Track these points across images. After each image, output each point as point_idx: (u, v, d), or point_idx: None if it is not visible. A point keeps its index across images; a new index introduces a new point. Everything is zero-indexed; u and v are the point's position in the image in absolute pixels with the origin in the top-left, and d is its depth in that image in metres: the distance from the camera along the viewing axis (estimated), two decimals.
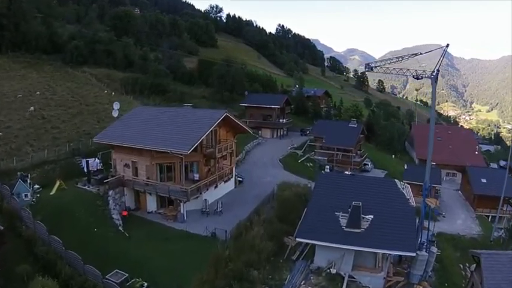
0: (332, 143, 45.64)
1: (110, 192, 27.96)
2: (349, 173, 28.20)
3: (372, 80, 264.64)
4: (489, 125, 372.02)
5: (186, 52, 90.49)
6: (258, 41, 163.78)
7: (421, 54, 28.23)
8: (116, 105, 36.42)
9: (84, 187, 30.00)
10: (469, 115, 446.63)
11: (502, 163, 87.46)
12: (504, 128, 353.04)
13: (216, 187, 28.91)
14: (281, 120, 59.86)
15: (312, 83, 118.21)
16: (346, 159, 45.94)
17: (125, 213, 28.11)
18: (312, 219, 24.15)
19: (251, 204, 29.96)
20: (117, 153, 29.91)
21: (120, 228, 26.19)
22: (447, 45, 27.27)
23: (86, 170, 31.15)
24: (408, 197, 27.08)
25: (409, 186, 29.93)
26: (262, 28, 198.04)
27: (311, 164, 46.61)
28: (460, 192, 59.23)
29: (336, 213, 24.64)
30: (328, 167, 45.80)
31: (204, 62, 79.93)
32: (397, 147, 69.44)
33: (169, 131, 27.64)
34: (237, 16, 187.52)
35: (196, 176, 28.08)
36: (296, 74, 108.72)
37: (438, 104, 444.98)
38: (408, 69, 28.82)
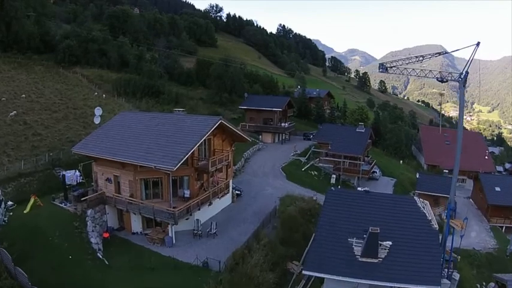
0: (339, 150, 42.00)
1: (89, 212, 24.40)
2: (362, 188, 24.63)
3: (373, 80, 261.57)
4: (490, 126, 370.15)
5: (184, 52, 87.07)
6: (259, 40, 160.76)
7: (446, 53, 24.57)
8: (98, 111, 32.76)
9: (61, 204, 26.43)
10: (470, 116, 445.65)
11: (508, 166, 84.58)
12: (505, 128, 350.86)
13: (210, 204, 25.29)
14: (283, 124, 56.17)
15: (313, 84, 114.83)
16: (353, 168, 42.36)
17: (106, 235, 24.59)
18: (321, 248, 20.66)
19: (250, 223, 26.44)
20: (98, 166, 26.38)
21: (99, 254, 22.64)
22: (478, 44, 23.82)
23: (63, 184, 27.55)
24: (430, 218, 23.52)
25: (428, 203, 26.33)
26: (263, 28, 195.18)
27: (316, 173, 43.00)
28: (471, 200, 55.74)
29: (349, 240, 21.15)
30: (334, 176, 42.21)
31: (203, 62, 76.38)
32: (404, 152, 65.82)
33: (154, 141, 24.13)
34: (237, 16, 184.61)
35: (187, 193, 24.56)
36: (298, 74, 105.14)
37: (439, 105, 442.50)
38: (431, 71, 25.32)
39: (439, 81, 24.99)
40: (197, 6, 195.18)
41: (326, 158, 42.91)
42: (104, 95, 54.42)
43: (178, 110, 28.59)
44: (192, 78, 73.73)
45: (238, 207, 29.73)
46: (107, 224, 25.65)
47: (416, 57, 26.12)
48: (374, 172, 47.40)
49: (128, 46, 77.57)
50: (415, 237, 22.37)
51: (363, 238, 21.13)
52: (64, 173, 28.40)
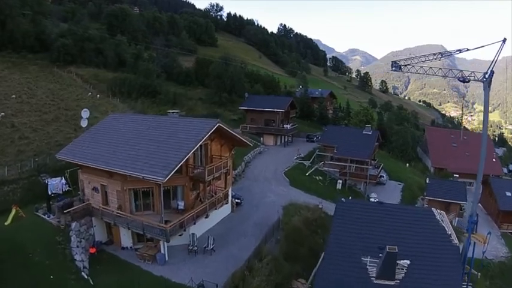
0: (345, 154, 39.59)
1: (73, 225, 22.04)
2: (374, 198, 22.32)
3: (374, 80, 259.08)
4: (491, 126, 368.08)
5: (184, 50, 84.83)
6: (260, 40, 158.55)
7: (468, 50, 22.24)
8: (85, 113, 30.35)
9: (44, 216, 24.08)
10: (471, 116, 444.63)
11: None
12: (506, 128, 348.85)
13: (206, 217, 22.90)
14: (285, 126, 53.69)
15: (314, 84, 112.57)
16: (360, 172, 40.00)
17: (92, 250, 22.26)
18: (331, 268, 18.40)
19: (251, 236, 24.13)
20: (84, 174, 24.05)
21: (84, 273, 20.32)
22: (504, 40, 21.52)
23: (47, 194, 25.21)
24: (450, 233, 21.23)
25: (444, 214, 24.04)
26: (264, 27, 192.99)
27: (320, 178, 40.61)
28: (480, 204, 53.38)
29: (363, 259, 18.86)
30: (340, 181, 39.83)
31: (202, 61, 73.99)
32: (411, 155, 63.46)
33: (144, 147, 21.69)
34: (237, 15, 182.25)
35: (181, 205, 22.22)
36: (299, 74, 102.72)
37: (440, 105, 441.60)
38: (451, 69, 23.00)
39: (461, 81, 22.65)
40: (197, 6, 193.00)
41: (331, 162, 40.52)
42: (98, 95, 52.10)
43: (173, 112, 26.10)
44: (190, 77, 71.36)
45: (238, 217, 27.33)
46: (94, 238, 23.33)
47: (434, 54, 23.80)
48: (381, 176, 45.10)
49: (126, 45, 75.35)
50: (435, 254, 20.23)
51: (378, 257, 18.89)
52: (48, 180, 26.04)
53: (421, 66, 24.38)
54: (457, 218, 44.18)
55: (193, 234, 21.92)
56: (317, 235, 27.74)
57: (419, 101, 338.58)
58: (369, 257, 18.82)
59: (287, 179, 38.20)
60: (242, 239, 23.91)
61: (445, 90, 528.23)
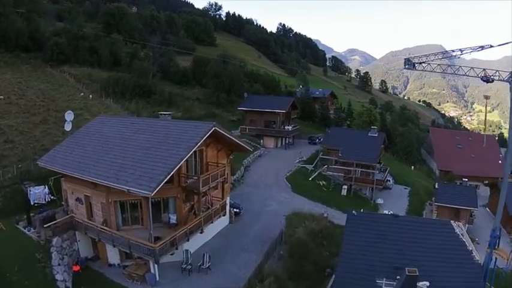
0: (350, 157, 37.43)
1: (54, 241, 19.81)
2: (389, 211, 20.19)
3: (373, 80, 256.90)
4: (491, 126, 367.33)
5: (181, 48, 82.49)
6: (259, 39, 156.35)
7: (492, 46, 20.12)
8: (69, 116, 28.06)
9: (24, 230, 21.85)
10: (471, 115, 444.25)
11: None
12: (505, 128, 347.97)
13: (201, 232, 20.74)
14: (286, 127, 51.48)
15: (314, 83, 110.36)
16: (366, 177, 37.86)
17: (76, 268, 20.05)
18: None
19: (251, 252, 21.95)
20: (67, 183, 21.84)
21: None
22: None
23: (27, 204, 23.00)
24: (470, 248, 19.18)
25: (462, 226, 21.99)
26: (263, 27, 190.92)
27: (324, 183, 38.45)
28: (487, 209, 51.40)
29: (378, 281, 16.74)
30: (345, 187, 37.66)
31: (200, 60, 71.69)
32: (416, 157, 61.32)
33: (131, 155, 19.30)
34: (237, 14, 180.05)
35: (173, 218, 20.07)
36: (300, 74, 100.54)
37: (439, 105, 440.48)
38: (472, 68, 20.92)
39: (484, 81, 20.58)
40: (196, 6, 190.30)
41: (336, 167, 38.34)
42: (90, 96, 49.87)
43: (165, 114, 23.87)
44: (188, 77, 69.10)
45: (237, 229, 25.10)
46: (78, 254, 21.11)
47: (453, 50, 21.73)
48: (387, 181, 42.96)
49: (121, 43, 73.08)
50: (455, 273, 18.26)
51: (394, 278, 16.81)
52: (30, 189, 23.81)
53: (438, 64, 22.31)
54: (467, 225, 42.11)
55: (187, 250, 19.71)
56: (323, 247, 25.63)
57: (419, 101, 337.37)
58: (384, 279, 16.75)
59: (289, 184, 36.05)
60: (241, 255, 21.71)
61: (444, 90, 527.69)
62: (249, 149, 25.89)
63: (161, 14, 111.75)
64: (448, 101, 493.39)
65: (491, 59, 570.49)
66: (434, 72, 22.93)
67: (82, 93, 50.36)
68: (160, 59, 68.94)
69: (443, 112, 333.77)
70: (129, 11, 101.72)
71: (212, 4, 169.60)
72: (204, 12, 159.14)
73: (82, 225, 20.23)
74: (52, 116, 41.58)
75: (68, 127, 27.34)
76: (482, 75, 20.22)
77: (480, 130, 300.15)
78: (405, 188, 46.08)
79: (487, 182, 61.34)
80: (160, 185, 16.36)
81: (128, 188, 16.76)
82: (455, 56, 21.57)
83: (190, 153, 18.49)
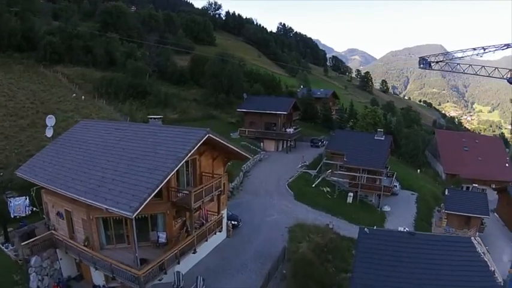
0: (356, 162, 35.26)
1: (33, 260, 17.65)
2: (404, 228, 18.06)
3: (373, 80, 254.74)
4: (491, 126, 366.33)
5: (179, 47, 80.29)
6: (259, 39, 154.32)
7: None
8: (50, 120, 25.71)
9: (3, 247, 19.65)
10: (471, 115, 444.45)
11: None
12: (506, 128, 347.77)
13: (194, 252, 18.46)
14: (288, 130, 49.23)
15: (315, 83, 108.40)
16: (373, 184, 35.70)
17: None
18: None
19: (251, 272, 19.80)
20: (47, 195, 19.65)
21: None
22: None
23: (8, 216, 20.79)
24: (493, 269, 17.08)
25: (481, 242, 19.86)
26: (263, 26, 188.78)
27: (328, 189, 36.26)
28: (496, 214, 49.28)
29: None
30: (351, 194, 35.48)
31: (198, 59, 69.45)
32: (421, 160, 59.15)
33: (113, 167, 16.97)
34: (236, 14, 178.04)
35: (162, 237, 17.76)
36: (301, 73, 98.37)
37: (439, 105, 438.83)
38: (497, 68, 18.81)
39: (510, 82, 18.41)
40: (196, 6, 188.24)
41: (340, 172, 36.18)
42: (83, 97, 47.65)
43: (155, 118, 21.62)
44: (185, 77, 66.85)
45: (235, 244, 22.84)
46: (60, 274, 18.93)
47: (474, 49, 19.58)
48: (394, 186, 40.81)
49: (117, 42, 70.88)
50: None
51: None
52: (11, 200, 21.56)
53: (458, 64, 20.17)
54: (477, 233, 40.03)
55: (178, 272, 17.51)
56: (329, 263, 23.47)
57: (420, 101, 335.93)
58: None
59: (291, 191, 33.83)
60: (240, 274, 19.49)
61: (444, 90, 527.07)
62: (249, 156, 23.60)
63: (159, 13, 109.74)
64: (448, 101, 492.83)
65: (492, 59, 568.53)
66: (453, 72, 20.78)
67: (74, 94, 48.14)
68: (156, 58, 66.67)
69: (443, 112, 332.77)
70: (127, 10, 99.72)
71: (212, 3, 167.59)
72: (203, 11, 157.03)
73: (62, 243, 18.04)
74: (41, 119, 39.15)
75: (49, 133, 25.05)
76: (509, 76, 18.06)
77: (481, 130, 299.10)
78: (412, 194, 43.98)
79: (494, 185, 59.49)
80: (144, 204, 14.12)
81: (106, 206, 14.51)
82: (477, 54, 19.39)
83: (181, 164, 16.21)
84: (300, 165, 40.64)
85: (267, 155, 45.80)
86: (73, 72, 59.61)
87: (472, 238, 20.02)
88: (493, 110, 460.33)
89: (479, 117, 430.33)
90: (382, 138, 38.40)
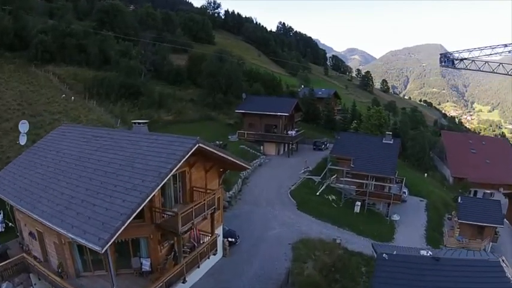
0: (365, 169, 32.72)
1: (4, 286, 15.24)
2: (427, 252, 15.67)
3: (373, 79, 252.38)
4: (491, 125, 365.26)
5: (177, 44, 77.76)
6: (259, 38, 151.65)
7: None
8: (23, 127, 23.10)
9: None
10: (471, 115, 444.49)
11: None
12: (506, 128, 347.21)
13: (184, 282, 15.84)
14: (290, 132, 46.66)
15: (316, 83, 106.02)
16: (381, 192, 33.22)
17: None
18: None
19: None
20: (18, 213, 17.14)
21: None
22: None
23: None
24: None
25: (505, 260, 17.58)
26: (263, 26, 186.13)
27: (334, 197, 33.76)
28: (506, 220, 46.78)
29: None
30: (359, 203, 33.01)
31: (195, 58, 66.88)
32: (428, 163, 56.70)
33: (84, 184, 14.41)
34: (236, 12, 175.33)
35: (146, 264, 15.20)
36: (301, 73, 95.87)
37: (439, 104, 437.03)
38: (501, 64, 16.37)
39: None
40: (195, 5, 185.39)
41: (346, 179, 33.69)
42: (72, 98, 45.16)
43: (139, 123, 18.98)
44: (182, 76, 64.27)
45: (232, 265, 20.24)
46: None
47: (506, 45, 17.13)
48: (403, 193, 38.34)
49: (113, 41, 68.33)
50: None
51: None
52: None
53: (486, 62, 17.73)
54: (490, 243, 37.67)
55: None
56: (337, 284, 21.04)
57: (420, 101, 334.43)
58: None
59: (293, 200, 31.32)
60: None
61: (444, 89, 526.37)
62: (247, 166, 20.98)
63: (157, 12, 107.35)
64: (448, 101, 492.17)
65: (492, 59, 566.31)
66: (480, 71, 18.33)
67: (63, 95, 45.65)
68: (152, 57, 64.06)
69: (443, 112, 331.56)
70: (124, 8, 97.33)
71: (211, 2, 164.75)
72: (202, 10, 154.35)
73: (35, 268, 15.54)
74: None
75: (22, 140, 22.44)
76: None
77: (481, 130, 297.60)
78: (421, 200, 41.53)
79: (502, 189, 57.24)
80: (116, 235, 11.61)
81: (71, 236, 11.96)
82: (509, 51, 16.92)
83: (164, 182, 13.74)
84: (302, 171, 38.14)
85: (268, 159, 43.25)
86: (65, 71, 57.20)
87: (501, 260, 17.70)
88: (493, 110, 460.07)
89: (479, 117, 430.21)
90: (391, 142, 35.90)
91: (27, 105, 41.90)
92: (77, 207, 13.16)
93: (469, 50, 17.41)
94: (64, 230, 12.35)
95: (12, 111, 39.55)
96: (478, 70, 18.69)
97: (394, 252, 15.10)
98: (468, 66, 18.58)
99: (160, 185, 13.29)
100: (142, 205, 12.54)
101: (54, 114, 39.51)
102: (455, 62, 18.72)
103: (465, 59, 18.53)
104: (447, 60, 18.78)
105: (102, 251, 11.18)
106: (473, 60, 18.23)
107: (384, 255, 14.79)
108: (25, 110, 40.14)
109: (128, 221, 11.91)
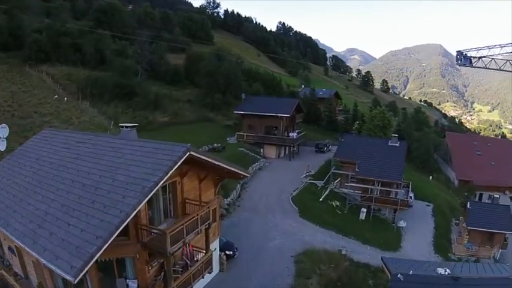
0: (370, 173, 31.12)
1: None
2: (445, 270, 14.04)
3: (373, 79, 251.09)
4: (491, 125, 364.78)
5: (175, 43, 76.14)
6: (258, 37, 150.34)
7: None
8: (2, 131, 21.42)
9: None
10: (470, 115, 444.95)
11: None
12: (506, 128, 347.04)
13: None
14: (291, 134, 45.01)
15: (316, 83, 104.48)
16: (387, 197, 31.61)
17: None
18: None
19: None
20: None
21: None
22: None
23: None
24: None
25: None
26: (262, 25, 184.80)
27: (338, 203, 32.13)
28: None
29: None
30: (364, 210, 31.37)
31: (194, 57, 65.25)
32: (432, 165, 55.10)
33: (60, 199, 12.61)
34: (235, 12, 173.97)
35: (133, 286, 13.32)
36: (301, 73, 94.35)
37: (439, 104, 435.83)
38: (508, 61, 14.77)
39: None
40: (195, 5, 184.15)
41: (351, 184, 32.06)
42: (65, 98, 43.51)
43: (127, 127, 17.01)
44: (179, 76, 62.64)
45: (230, 281, 18.58)
46: None
47: None
48: (410, 198, 36.74)
49: (109, 40, 66.77)
50: None
51: None
52: None
53: (508, 60, 16.12)
54: (500, 250, 36.11)
55: None
56: None
57: (420, 101, 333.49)
58: None
59: (295, 207, 29.67)
60: None
61: (444, 89, 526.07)
62: (246, 174, 19.26)
63: (156, 11, 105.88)
64: (448, 101, 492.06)
65: (496, 58, 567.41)
66: (501, 70, 16.72)
67: (56, 96, 44.01)
68: (149, 56, 62.42)
69: (444, 112, 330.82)
70: (122, 7, 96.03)
71: (210, 1, 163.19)
72: (201, 10, 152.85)
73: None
74: (15, 125, 35.02)
75: (1, 146, 20.76)
76: None
77: (481, 130, 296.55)
78: (427, 205, 39.94)
79: (508, 192, 55.77)
80: (91, 264, 9.95)
81: (43, 261, 10.33)
82: None
83: (148, 197, 11.91)
84: (304, 175, 36.49)
85: (268, 162, 41.59)
86: (59, 71, 55.69)
87: None
88: (493, 110, 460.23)
89: (479, 117, 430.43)
90: (397, 145, 34.28)
91: (18, 107, 40.31)
92: (51, 226, 11.45)
93: (489, 47, 15.89)
94: (35, 253, 10.68)
95: (2, 112, 37.94)
96: (498, 69, 17.08)
97: (410, 273, 13.48)
98: (488, 65, 16.97)
99: (144, 202, 11.58)
100: (122, 226, 10.88)
101: (45, 116, 37.87)
102: (473, 60, 17.11)
103: (484, 57, 16.91)
104: (464, 58, 17.22)
105: (75, 282, 9.51)
106: (493, 59, 16.63)
107: (399, 275, 13.17)
108: (15, 112, 38.54)
109: (105, 246, 10.20)
